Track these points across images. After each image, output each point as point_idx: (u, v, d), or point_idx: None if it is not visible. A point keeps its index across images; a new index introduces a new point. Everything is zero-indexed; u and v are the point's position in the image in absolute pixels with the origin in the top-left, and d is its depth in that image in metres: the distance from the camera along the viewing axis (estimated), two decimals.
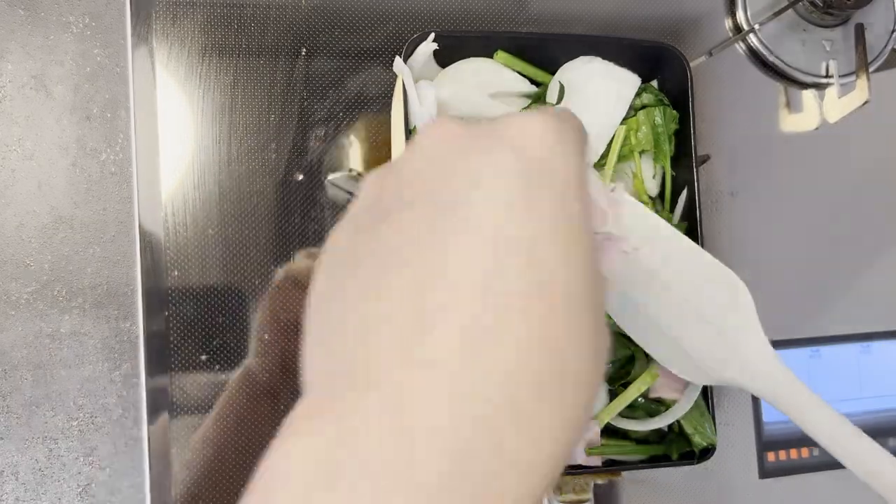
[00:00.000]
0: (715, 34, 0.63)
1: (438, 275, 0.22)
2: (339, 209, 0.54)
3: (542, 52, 0.50)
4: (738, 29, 0.63)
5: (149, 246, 0.50)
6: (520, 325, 0.22)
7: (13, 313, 0.49)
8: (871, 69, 0.62)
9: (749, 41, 0.63)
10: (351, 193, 0.54)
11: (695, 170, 0.51)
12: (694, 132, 0.51)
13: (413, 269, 0.23)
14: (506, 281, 0.22)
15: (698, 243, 0.50)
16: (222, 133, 0.53)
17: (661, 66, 0.51)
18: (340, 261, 0.27)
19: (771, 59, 0.63)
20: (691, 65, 0.52)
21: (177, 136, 0.52)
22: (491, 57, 0.50)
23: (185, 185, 0.52)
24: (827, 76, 0.63)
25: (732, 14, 0.63)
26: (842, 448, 0.38)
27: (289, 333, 0.51)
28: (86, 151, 0.51)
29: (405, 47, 0.47)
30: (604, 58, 0.50)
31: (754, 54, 0.63)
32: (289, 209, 0.53)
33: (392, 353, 0.22)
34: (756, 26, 0.62)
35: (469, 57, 0.49)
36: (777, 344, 0.60)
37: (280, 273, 0.52)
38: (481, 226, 0.23)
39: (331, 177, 0.53)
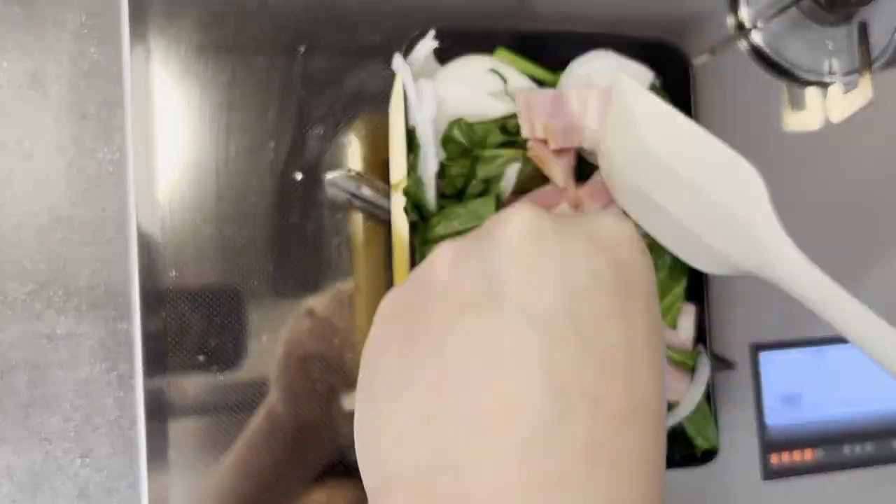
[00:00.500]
0: (717, 32, 0.62)
1: (529, 387, 0.22)
2: (338, 209, 0.53)
3: (543, 50, 0.50)
4: (740, 27, 0.63)
5: (146, 246, 0.50)
6: (629, 446, 0.22)
7: (10, 314, 0.48)
8: (874, 67, 0.62)
9: (751, 39, 0.62)
10: (350, 193, 0.53)
11: None
12: None
13: (505, 377, 0.22)
14: (614, 397, 0.22)
15: None
16: (220, 132, 0.52)
17: (661, 62, 0.51)
18: (400, 352, 0.26)
19: (773, 57, 0.62)
20: (694, 63, 0.52)
21: (174, 134, 0.52)
22: (492, 54, 0.50)
23: (183, 185, 0.51)
24: (830, 74, 0.63)
25: (734, 12, 0.63)
26: (865, 339, 0.37)
27: (311, 366, 0.51)
28: (83, 151, 0.50)
29: (405, 44, 0.47)
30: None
31: (756, 52, 0.63)
32: (287, 208, 0.53)
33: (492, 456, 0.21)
34: (758, 24, 0.62)
35: (470, 54, 0.49)
36: (781, 344, 0.60)
37: (303, 308, 0.51)
38: (586, 336, 0.23)
39: (329, 176, 0.53)
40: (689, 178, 0.41)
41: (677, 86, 0.51)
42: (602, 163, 0.46)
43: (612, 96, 0.45)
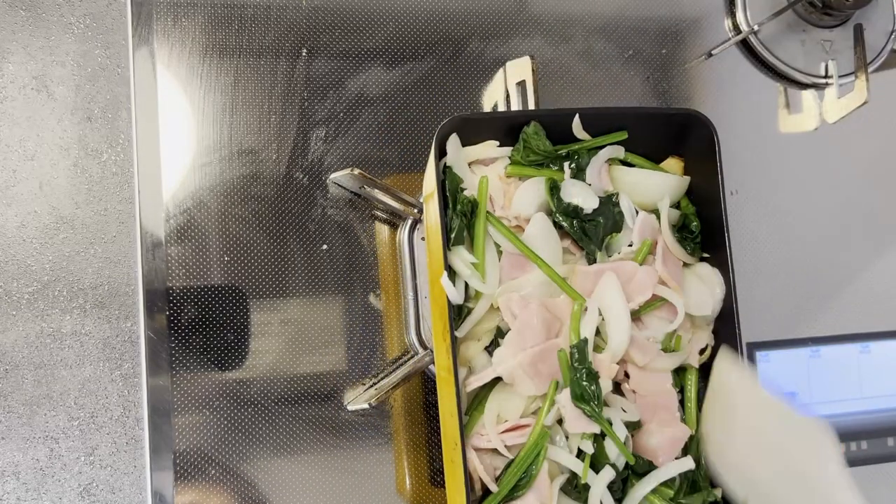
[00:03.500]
0: (714, 35, 0.63)
1: None
2: (340, 208, 0.54)
3: (565, 127, 0.48)
4: (737, 29, 0.63)
5: (150, 246, 0.51)
6: None
7: (14, 313, 0.49)
8: (870, 70, 0.62)
9: (749, 42, 0.63)
10: (353, 192, 0.54)
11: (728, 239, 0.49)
12: (724, 200, 0.48)
13: None
14: None
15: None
16: (223, 133, 0.53)
17: (687, 133, 0.49)
18: None
19: (770, 59, 0.63)
20: (688, 65, 0.52)
21: (178, 136, 0.52)
22: (513, 136, 0.48)
23: (186, 186, 0.52)
24: (826, 76, 0.64)
25: (732, 15, 0.64)
26: None
27: None
28: (87, 152, 0.51)
29: (435, 144, 0.45)
30: (630, 128, 0.49)
31: (754, 55, 0.63)
32: (289, 209, 0.53)
33: None
34: (755, 27, 0.62)
35: (490, 139, 0.48)
36: (777, 344, 0.61)
37: None
38: None
39: (333, 175, 0.53)
40: (772, 442, 0.44)
41: (704, 154, 0.49)
42: (706, 447, 0.48)
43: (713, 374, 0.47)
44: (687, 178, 0.50)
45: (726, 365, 0.47)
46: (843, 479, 0.41)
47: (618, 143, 0.49)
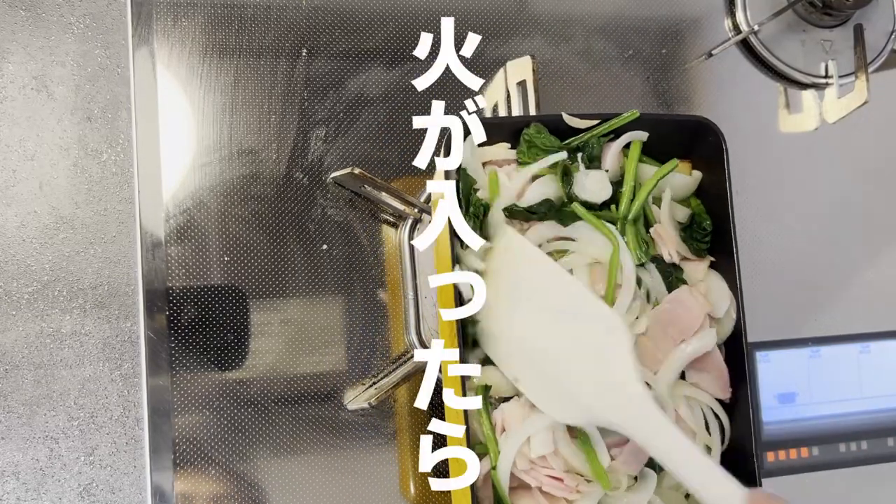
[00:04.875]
0: (714, 35, 0.63)
1: None
2: (340, 208, 0.54)
3: (574, 131, 0.48)
4: (737, 29, 0.63)
5: (150, 246, 0.51)
6: None
7: (14, 313, 0.49)
8: (870, 70, 0.62)
9: (749, 42, 0.63)
10: (353, 192, 0.54)
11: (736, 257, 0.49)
12: (731, 207, 0.49)
13: None
14: None
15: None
16: (223, 133, 0.53)
17: (697, 139, 0.49)
18: None
19: (770, 59, 0.63)
20: (688, 65, 0.52)
21: (178, 136, 0.52)
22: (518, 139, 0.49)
23: (186, 186, 0.52)
24: (826, 76, 0.64)
25: (732, 15, 0.64)
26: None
27: None
28: (87, 152, 0.51)
29: (446, 143, 0.45)
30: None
31: (754, 55, 0.63)
32: (289, 209, 0.53)
33: None
34: (755, 27, 0.62)
35: (502, 140, 0.48)
36: (777, 344, 0.61)
37: None
38: None
39: (333, 175, 0.53)
40: (562, 319, 0.43)
41: (711, 161, 0.49)
42: (484, 322, 0.46)
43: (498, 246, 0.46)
44: (698, 174, 0.50)
45: (515, 237, 0.45)
46: (635, 370, 0.40)
47: (629, 144, 0.49)
